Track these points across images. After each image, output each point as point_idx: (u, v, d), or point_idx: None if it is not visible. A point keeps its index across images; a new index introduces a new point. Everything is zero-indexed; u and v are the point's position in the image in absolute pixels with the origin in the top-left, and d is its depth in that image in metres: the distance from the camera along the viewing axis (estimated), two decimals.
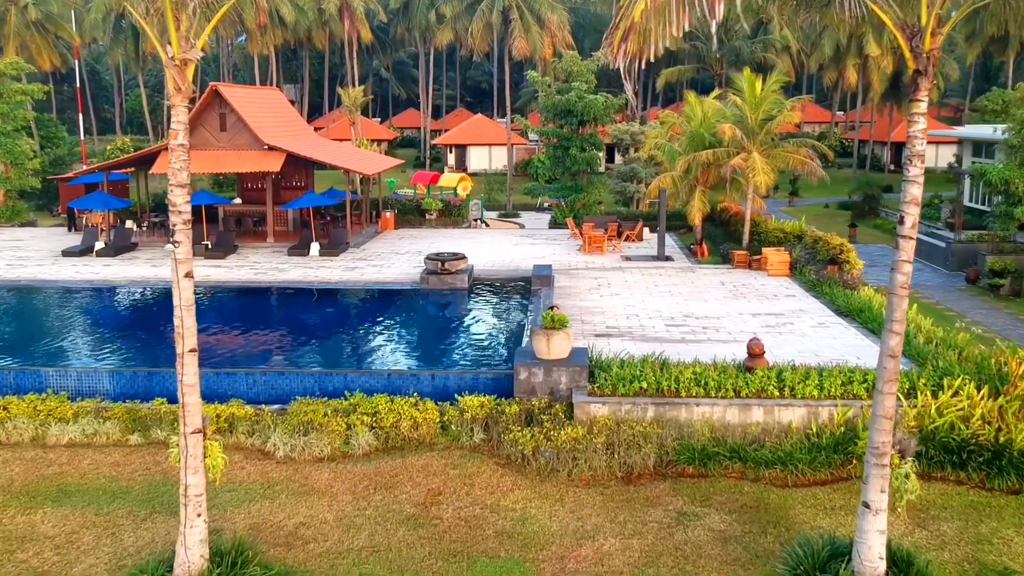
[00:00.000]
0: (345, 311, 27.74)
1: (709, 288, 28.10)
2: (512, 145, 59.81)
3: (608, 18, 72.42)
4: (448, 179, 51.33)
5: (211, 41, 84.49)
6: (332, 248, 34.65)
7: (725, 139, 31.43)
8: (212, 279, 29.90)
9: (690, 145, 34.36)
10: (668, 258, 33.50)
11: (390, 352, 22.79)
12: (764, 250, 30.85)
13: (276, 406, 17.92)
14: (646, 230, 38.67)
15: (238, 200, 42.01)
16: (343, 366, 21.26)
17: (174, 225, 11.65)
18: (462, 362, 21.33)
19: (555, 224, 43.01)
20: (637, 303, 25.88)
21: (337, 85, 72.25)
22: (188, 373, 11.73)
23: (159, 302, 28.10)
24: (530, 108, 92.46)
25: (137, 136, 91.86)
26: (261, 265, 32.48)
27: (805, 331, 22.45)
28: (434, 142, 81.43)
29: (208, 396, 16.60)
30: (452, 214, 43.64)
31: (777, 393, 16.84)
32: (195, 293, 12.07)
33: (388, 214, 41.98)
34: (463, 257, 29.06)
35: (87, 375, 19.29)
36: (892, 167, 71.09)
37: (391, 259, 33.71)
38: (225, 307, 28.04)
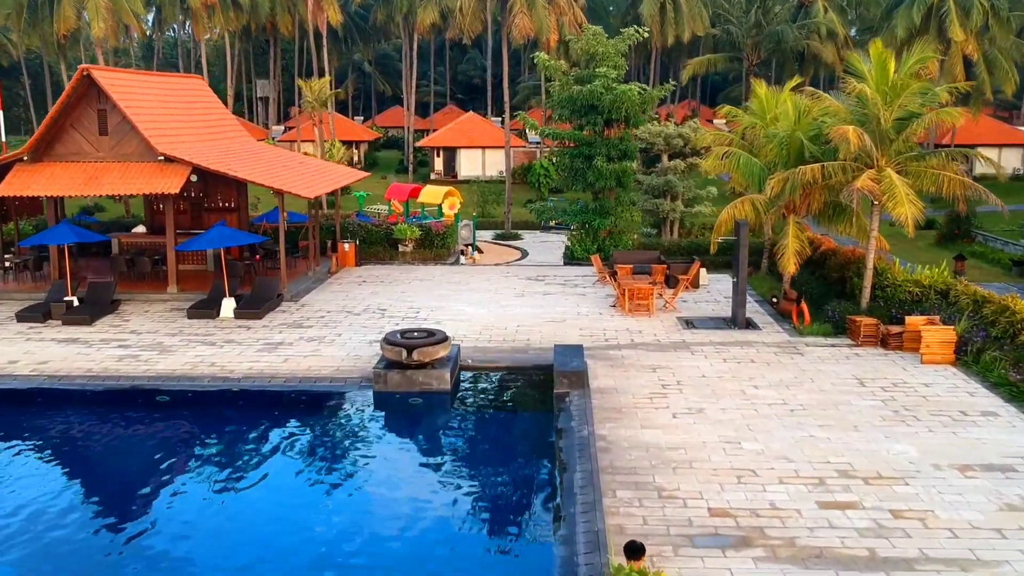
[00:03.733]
0: (231, 447, 16.63)
1: (842, 394, 17.21)
2: (511, 147, 49.04)
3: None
4: (431, 193, 40.30)
5: (173, 30, 73.30)
6: (255, 304, 23.64)
7: (846, 147, 20.53)
8: (46, 371, 18.89)
9: (779, 156, 23.48)
10: (750, 324, 22.59)
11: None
12: (910, 320, 19.95)
13: None
14: (702, 270, 27.69)
15: (140, 228, 30.87)
16: None
17: None
18: None
19: (573, 258, 31.99)
20: (743, 435, 14.97)
21: (300, 78, 60.96)
22: None
23: None
24: (528, 105, 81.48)
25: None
26: (139, 338, 21.45)
27: None
28: (418, 144, 70.38)
29: None
30: (434, 245, 32.62)
31: None
32: None
33: (347, 246, 30.97)
34: (443, 339, 18.05)
35: None
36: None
37: (339, 325, 22.69)
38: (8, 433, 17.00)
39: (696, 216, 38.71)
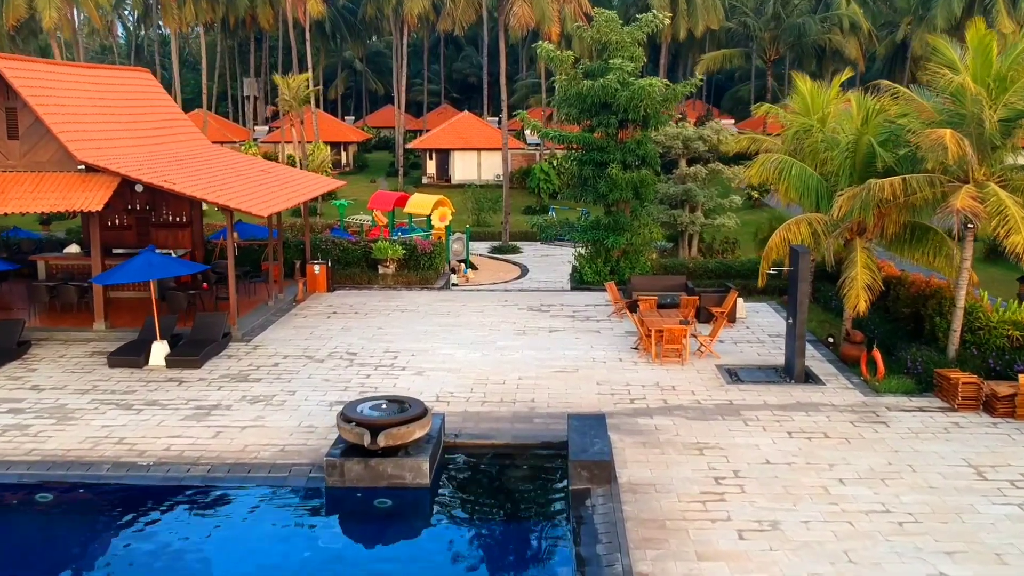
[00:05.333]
0: None
1: (960, 493, 12.69)
2: (508, 150, 44.55)
3: None
4: (419, 203, 35.69)
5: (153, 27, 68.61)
6: (193, 349, 19.05)
7: (942, 156, 16.01)
8: None
9: (845, 165, 18.94)
10: (810, 376, 18.05)
11: None
12: None
13: None
14: (739, 300, 23.11)
15: (73, 248, 26.27)
16: None
17: None
18: None
19: (582, 282, 27.39)
20: (844, 572, 10.43)
21: (277, 75, 56.32)
22: None
23: None
24: (527, 104, 76.87)
25: None
26: (38, 398, 16.85)
27: None
28: (409, 145, 65.72)
29: None
30: (420, 266, 28.00)
31: None
32: None
33: (318, 268, 26.39)
34: (420, 414, 13.45)
35: None
36: None
37: (294, 378, 18.12)
38: None
39: (718, 229, 34.23)
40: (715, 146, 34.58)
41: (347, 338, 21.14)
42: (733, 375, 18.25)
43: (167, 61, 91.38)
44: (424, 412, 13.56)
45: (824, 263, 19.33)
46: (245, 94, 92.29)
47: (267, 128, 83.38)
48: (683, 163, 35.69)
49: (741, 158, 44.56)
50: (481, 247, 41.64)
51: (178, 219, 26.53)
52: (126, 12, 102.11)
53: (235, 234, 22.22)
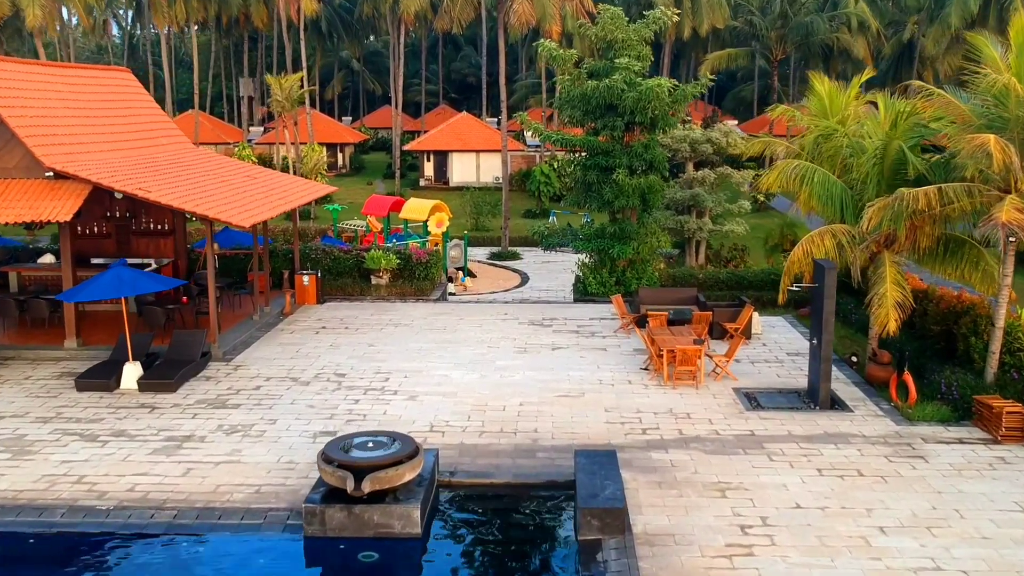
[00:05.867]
0: None
1: (1020, 545, 11.28)
2: (508, 151, 43.11)
3: None
4: (415, 208, 34.31)
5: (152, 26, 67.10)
6: (168, 371, 17.63)
7: (984, 164, 14.62)
8: None
9: (873, 172, 17.53)
10: (836, 403, 16.64)
11: None
12: None
13: None
14: (754, 314, 21.65)
15: (48, 258, 24.85)
16: None
17: None
18: None
19: (586, 293, 25.93)
20: None
21: (269, 74, 54.89)
22: None
23: None
24: (527, 105, 75.44)
25: None
26: (1, 425, 15.47)
27: None
28: (406, 147, 64.27)
29: None
30: (415, 276, 26.56)
31: None
32: None
33: (307, 279, 24.96)
34: (411, 453, 12.03)
35: None
36: None
37: (277, 403, 16.70)
38: None
39: (726, 236, 32.83)
40: (723, 149, 33.20)
41: (336, 357, 19.71)
42: (752, 400, 16.84)
43: (162, 61, 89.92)
44: (415, 451, 12.14)
45: (850, 279, 17.92)
46: (241, 94, 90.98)
47: (262, 129, 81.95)
48: (690, 166, 34.28)
49: (747, 160, 43.24)
50: (480, 253, 40.31)
51: (160, 227, 25.12)
52: (120, 11, 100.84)
53: (215, 245, 20.81)
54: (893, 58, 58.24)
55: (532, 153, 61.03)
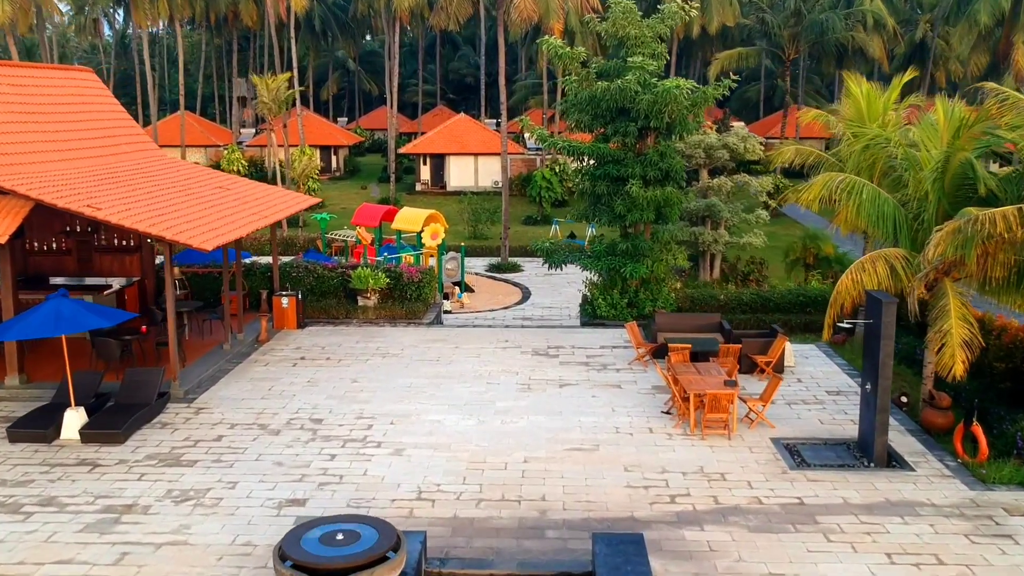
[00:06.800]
0: None
1: None
2: (508, 155, 40.63)
3: None
4: (408, 218, 31.94)
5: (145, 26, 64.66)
6: (117, 418, 15.20)
7: None
8: None
9: (934, 190, 15.12)
10: (893, 459, 14.23)
11: None
12: None
13: None
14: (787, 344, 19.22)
15: None
16: None
17: None
18: None
19: (595, 316, 23.50)
20: None
21: (262, 73, 52.47)
22: None
23: None
24: (527, 106, 73.00)
25: None
26: None
27: None
28: (402, 150, 61.82)
29: None
30: (407, 297, 24.13)
31: None
32: None
33: (286, 301, 22.53)
34: (391, 544, 9.62)
35: None
36: None
37: (239, 459, 14.26)
38: None
39: (743, 248, 30.43)
40: (741, 155, 30.85)
41: (313, 397, 17.28)
42: (795, 455, 14.44)
43: (155, 61, 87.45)
44: (396, 545, 9.74)
45: (904, 309, 15.52)
46: (238, 95, 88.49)
47: (254, 131, 79.54)
48: (705, 174, 31.94)
49: (750, 163, 40.71)
50: (478, 264, 37.94)
51: (124, 243, 22.74)
52: (111, 10, 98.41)
53: (176, 269, 18.40)
54: (904, 58, 55.88)
55: (533, 156, 58.62)
